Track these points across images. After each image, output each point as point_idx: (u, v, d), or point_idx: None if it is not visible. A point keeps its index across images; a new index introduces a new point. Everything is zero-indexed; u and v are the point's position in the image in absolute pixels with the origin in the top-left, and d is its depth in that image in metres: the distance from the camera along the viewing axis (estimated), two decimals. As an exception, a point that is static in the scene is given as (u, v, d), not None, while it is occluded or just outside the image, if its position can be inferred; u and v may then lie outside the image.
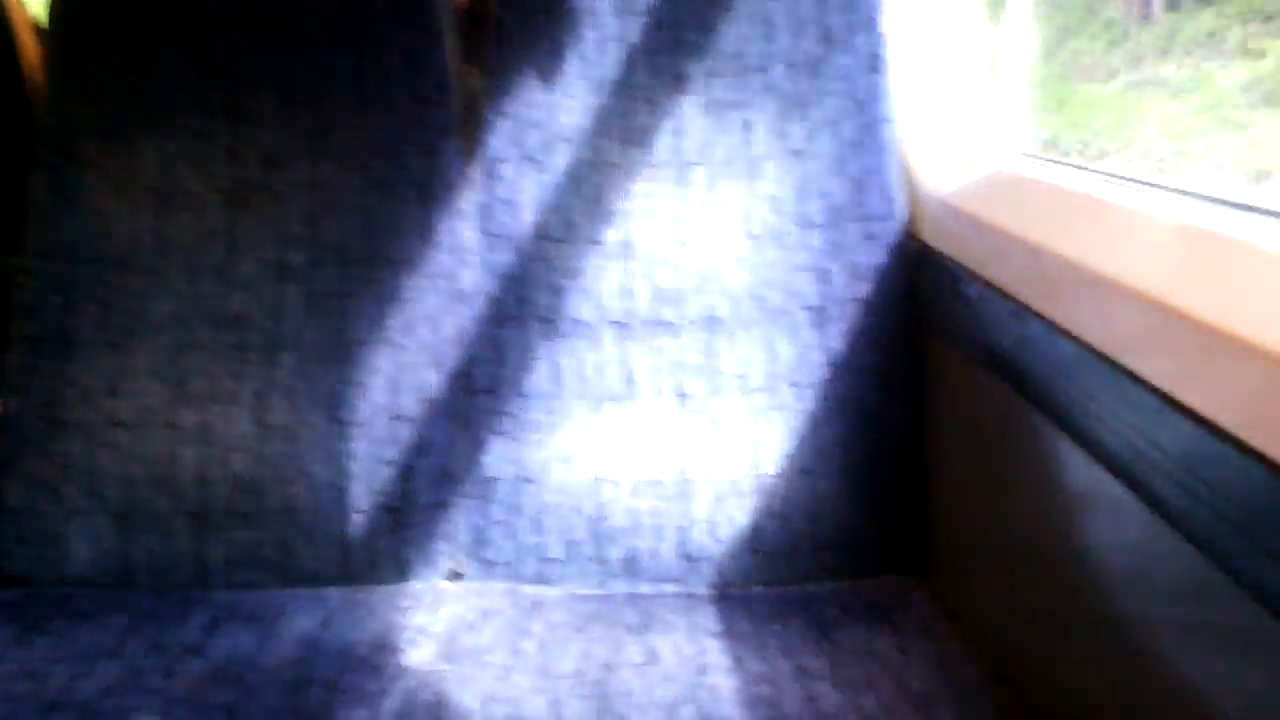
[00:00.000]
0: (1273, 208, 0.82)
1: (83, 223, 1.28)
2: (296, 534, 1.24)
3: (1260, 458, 0.64)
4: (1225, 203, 0.88)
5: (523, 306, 1.29)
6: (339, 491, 1.24)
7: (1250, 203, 0.85)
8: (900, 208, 1.29)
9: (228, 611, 1.17)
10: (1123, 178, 1.05)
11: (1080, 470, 0.89)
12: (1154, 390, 0.76)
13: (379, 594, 1.22)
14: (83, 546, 1.23)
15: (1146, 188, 0.99)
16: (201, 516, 1.23)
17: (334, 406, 1.26)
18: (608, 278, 1.29)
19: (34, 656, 1.07)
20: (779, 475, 1.26)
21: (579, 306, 1.29)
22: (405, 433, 1.26)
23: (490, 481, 1.26)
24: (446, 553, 1.26)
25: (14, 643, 1.10)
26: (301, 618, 1.15)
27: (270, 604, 1.19)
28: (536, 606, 1.20)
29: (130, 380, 1.25)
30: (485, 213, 1.30)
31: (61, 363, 1.25)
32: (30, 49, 1.45)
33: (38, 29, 1.43)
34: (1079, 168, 1.12)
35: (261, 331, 1.27)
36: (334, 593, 1.22)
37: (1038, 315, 0.95)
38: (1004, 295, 1.03)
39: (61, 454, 1.24)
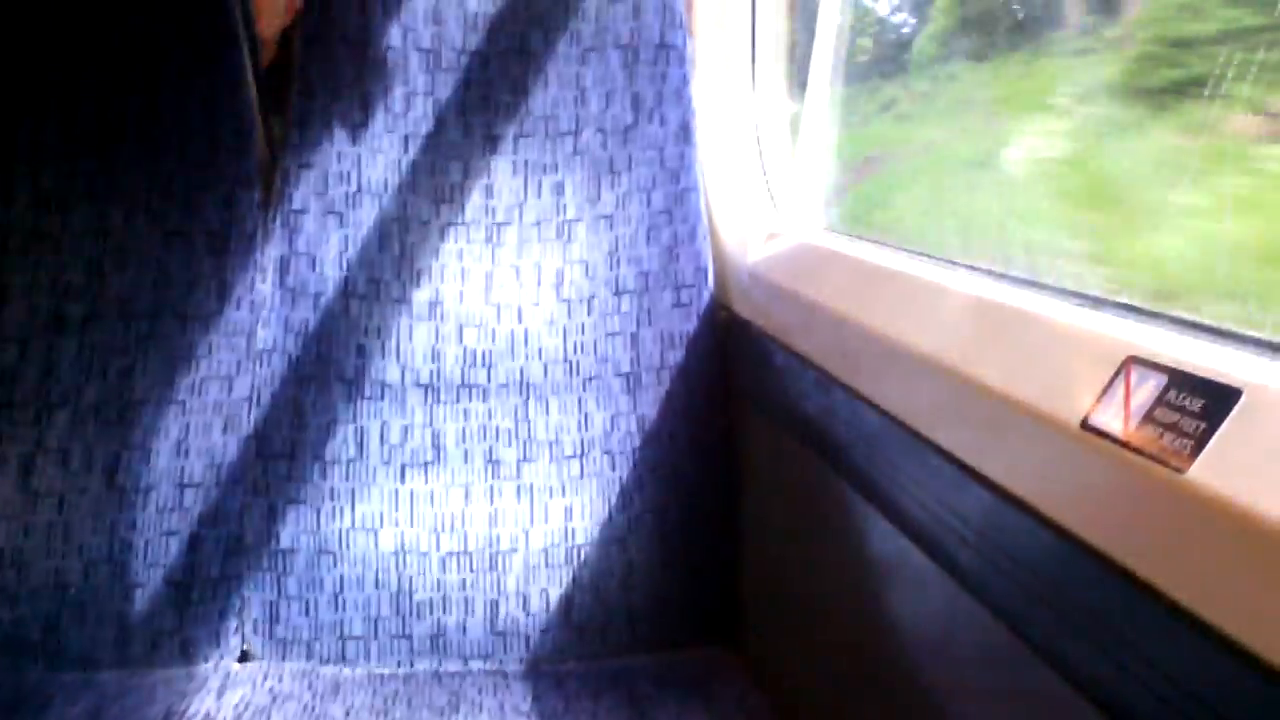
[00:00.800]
0: (1056, 284, 0.87)
1: None
2: (66, 613, 1.13)
3: (1052, 526, 0.67)
4: (1015, 279, 0.92)
5: (324, 366, 1.23)
6: (117, 565, 1.15)
7: (1036, 279, 0.90)
8: (709, 276, 1.31)
9: None
10: (920, 253, 1.09)
11: (885, 538, 0.91)
12: (953, 459, 0.78)
13: (160, 677, 1.13)
14: None
15: (942, 262, 1.03)
16: None
17: (112, 471, 1.16)
18: (415, 338, 1.25)
19: None
20: (592, 544, 1.24)
21: (384, 368, 1.25)
22: (193, 500, 1.18)
23: (286, 553, 1.19)
24: (236, 631, 1.18)
25: None
26: (69, 707, 1.05)
27: (34, 691, 1.08)
28: (335, 688, 1.13)
29: None
30: (284, 267, 1.24)
31: None
32: None
33: None
34: (878, 242, 1.16)
35: (31, 388, 1.17)
36: (109, 677, 1.12)
37: (842, 385, 0.97)
38: (809, 364, 1.05)
39: None
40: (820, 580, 1.07)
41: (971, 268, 0.98)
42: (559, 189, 1.31)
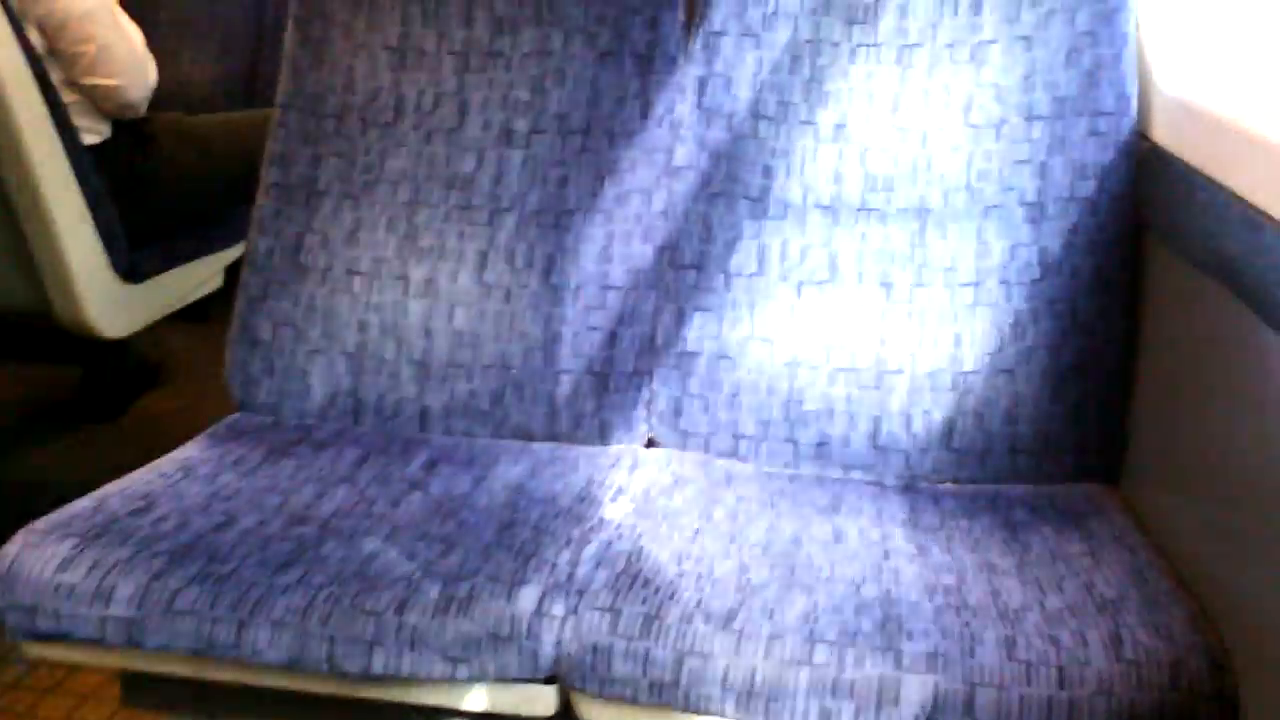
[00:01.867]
0: None
1: (328, 78, 1.37)
2: (509, 389, 1.32)
3: None
4: None
5: (731, 184, 1.31)
6: (549, 352, 1.31)
7: None
8: (1133, 104, 1.23)
9: (445, 455, 1.27)
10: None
11: None
12: None
13: (581, 452, 1.29)
14: (321, 384, 1.35)
15: None
16: (424, 365, 1.33)
17: (548, 270, 1.32)
18: (819, 160, 1.29)
19: (281, 476, 1.20)
20: (978, 373, 1.25)
21: (788, 188, 1.30)
22: (613, 301, 1.31)
23: (690, 355, 1.31)
24: (645, 420, 1.32)
25: (264, 461, 1.23)
26: (511, 466, 1.24)
27: (483, 452, 1.28)
28: (728, 478, 1.25)
29: (367, 232, 1.35)
30: (702, 88, 1.31)
31: (307, 210, 1.36)
32: None
33: None
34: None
35: (486, 193, 1.34)
36: (541, 447, 1.30)
37: (1275, 224, 0.91)
38: (1237, 200, 0.98)
39: (306, 296, 1.35)
40: (1223, 426, 1.02)
41: None
42: (976, 8, 1.27)
